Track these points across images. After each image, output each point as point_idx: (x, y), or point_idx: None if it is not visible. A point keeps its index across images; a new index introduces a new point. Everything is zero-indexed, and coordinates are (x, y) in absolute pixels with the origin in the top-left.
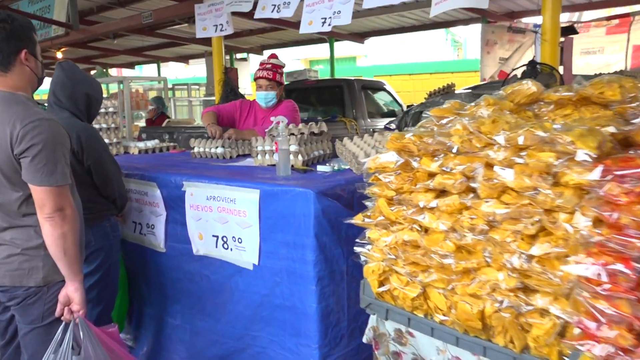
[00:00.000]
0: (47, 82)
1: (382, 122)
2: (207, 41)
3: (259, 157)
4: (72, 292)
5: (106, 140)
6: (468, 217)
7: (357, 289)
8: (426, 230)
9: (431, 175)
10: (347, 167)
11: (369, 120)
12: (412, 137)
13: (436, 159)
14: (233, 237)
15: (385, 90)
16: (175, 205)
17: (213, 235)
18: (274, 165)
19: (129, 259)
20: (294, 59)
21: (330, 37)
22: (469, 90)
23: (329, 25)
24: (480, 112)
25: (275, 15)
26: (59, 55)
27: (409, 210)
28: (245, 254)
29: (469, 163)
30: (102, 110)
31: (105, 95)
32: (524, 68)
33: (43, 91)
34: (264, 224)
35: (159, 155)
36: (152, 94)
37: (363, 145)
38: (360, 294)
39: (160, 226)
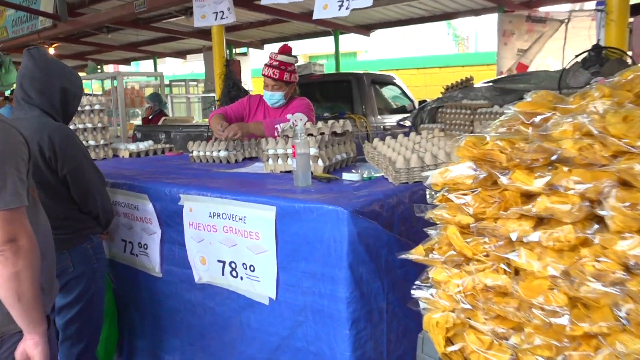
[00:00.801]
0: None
1: (393, 119)
2: (205, 35)
3: (270, 162)
4: (31, 348)
5: (91, 143)
6: (591, 257)
7: (399, 329)
8: (517, 271)
9: (529, 196)
10: (379, 174)
11: (379, 116)
12: (500, 142)
13: (538, 174)
14: (244, 264)
15: (395, 84)
16: (172, 222)
17: (219, 261)
18: (289, 172)
19: (118, 282)
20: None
21: (335, 29)
22: (490, 84)
23: (347, 8)
24: (594, 106)
25: (284, 1)
26: (52, 51)
27: (494, 244)
28: (259, 285)
29: (595, 181)
30: (87, 107)
31: (99, 92)
32: (585, 54)
33: None
34: (283, 250)
35: (152, 159)
36: (149, 91)
37: (399, 148)
38: (417, 352)
39: (155, 246)
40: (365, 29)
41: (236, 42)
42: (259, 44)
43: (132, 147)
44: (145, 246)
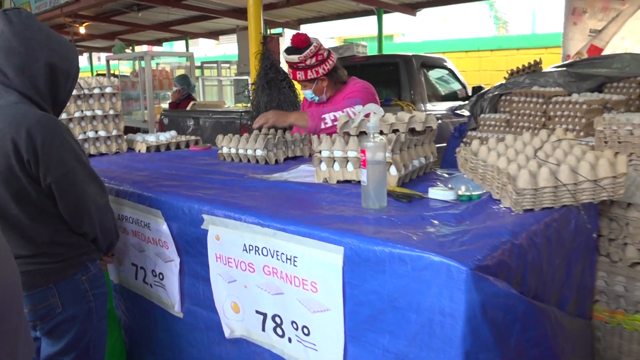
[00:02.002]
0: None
1: (443, 107)
2: (239, 14)
3: (324, 167)
4: None
5: (102, 134)
6: None
7: None
8: None
9: None
10: (482, 191)
11: (428, 104)
12: None
13: None
14: (294, 322)
15: (447, 68)
16: (193, 250)
17: (258, 312)
18: (348, 181)
19: (130, 316)
20: (328, 37)
21: (379, 8)
22: (563, 69)
23: None
24: None
25: None
26: (82, 30)
27: None
28: (317, 355)
29: None
30: (96, 90)
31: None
32: None
33: None
34: (354, 313)
35: (173, 155)
36: (179, 73)
37: (513, 156)
38: None
39: (173, 278)
40: (411, 8)
41: (271, 21)
42: (296, 24)
43: (151, 139)
44: (161, 276)
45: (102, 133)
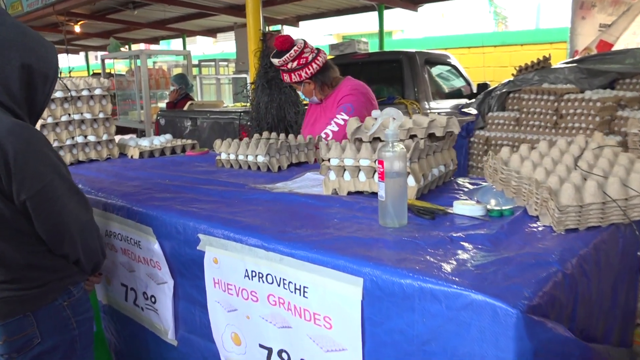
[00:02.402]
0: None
1: (447, 104)
2: (236, 11)
3: (333, 176)
4: None
5: (91, 139)
6: None
7: None
8: None
9: None
10: (513, 205)
11: (432, 102)
12: None
13: None
14: None
15: (451, 65)
16: (189, 272)
17: (262, 346)
18: (359, 193)
19: (121, 339)
20: (327, 34)
21: (380, 3)
22: (574, 65)
23: None
24: None
25: None
26: (77, 29)
27: None
28: None
29: None
30: (85, 92)
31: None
32: None
33: None
34: (375, 355)
35: (168, 160)
36: (177, 72)
37: (551, 166)
38: None
39: (166, 301)
40: (413, 3)
41: (270, 18)
42: (294, 21)
43: (144, 143)
44: (153, 299)
45: (91, 138)
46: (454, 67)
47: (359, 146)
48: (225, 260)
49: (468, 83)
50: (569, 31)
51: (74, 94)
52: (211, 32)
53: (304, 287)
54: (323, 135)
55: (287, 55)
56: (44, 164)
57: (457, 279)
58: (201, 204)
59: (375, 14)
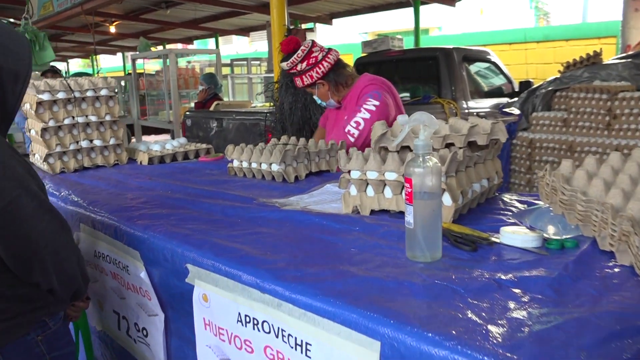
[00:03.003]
0: None
1: (487, 104)
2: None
3: (354, 191)
4: None
5: (97, 143)
6: None
7: None
8: None
9: None
10: (576, 234)
11: (471, 101)
12: None
13: None
14: None
15: (491, 62)
16: (179, 306)
17: None
18: (385, 211)
19: None
20: (361, 32)
21: (416, 0)
22: (628, 60)
23: None
24: None
25: None
26: (112, 29)
27: None
28: None
29: None
30: (89, 93)
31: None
32: None
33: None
34: None
35: (179, 167)
36: (209, 71)
37: (627, 185)
38: None
39: (158, 336)
40: None
41: (302, 16)
42: (327, 18)
43: (155, 148)
44: (145, 332)
45: (97, 142)
46: (494, 64)
47: (385, 156)
48: (216, 299)
49: (509, 81)
50: (620, 25)
51: (77, 95)
52: (244, 31)
53: (307, 343)
54: (353, 126)
55: (295, 56)
56: (6, 177)
57: (511, 356)
58: (197, 224)
59: (410, 10)
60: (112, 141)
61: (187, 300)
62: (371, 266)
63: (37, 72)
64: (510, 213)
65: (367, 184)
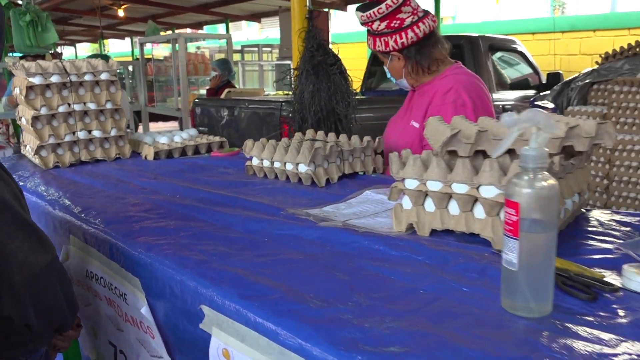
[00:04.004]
0: None
1: (512, 96)
2: None
3: (407, 204)
4: None
5: (96, 134)
6: None
7: None
8: None
9: None
10: None
11: (496, 93)
12: None
13: None
14: None
15: (517, 51)
16: (190, 353)
17: None
18: (449, 231)
19: None
20: None
21: None
22: None
23: None
24: None
25: None
26: (120, 13)
27: None
28: None
29: None
30: (87, 77)
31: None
32: None
33: None
34: None
35: (188, 164)
36: (219, 57)
37: None
38: None
39: None
40: None
41: (315, 2)
42: (342, 4)
43: (162, 140)
44: None
45: (96, 133)
46: (521, 53)
47: (451, 161)
48: (242, 359)
49: (536, 72)
50: None
51: (74, 78)
52: (255, 16)
53: None
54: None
55: (376, 9)
56: None
57: None
58: (213, 244)
59: None
60: (113, 132)
61: (200, 349)
62: (457, 324)
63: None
64: (613, 238)
65: (426, 196)
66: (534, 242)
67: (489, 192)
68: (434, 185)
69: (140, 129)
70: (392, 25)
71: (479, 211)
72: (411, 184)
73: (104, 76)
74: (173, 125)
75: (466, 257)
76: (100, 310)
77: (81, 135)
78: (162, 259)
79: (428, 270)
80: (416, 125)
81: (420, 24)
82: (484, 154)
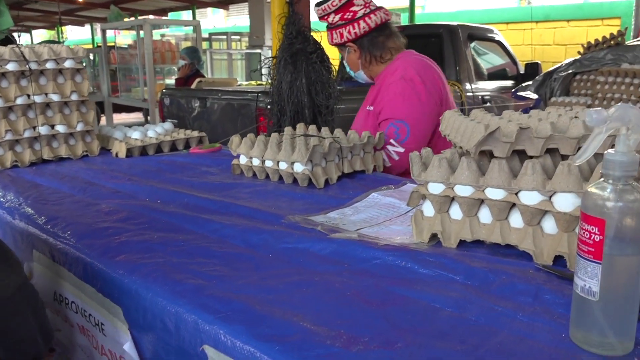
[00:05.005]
0: None
1: (490, 86)
2: None
3: (429, 210)
4: None
5: (59, 129)
6: None
7: None
8: None
9: None
10: None
11: (476, 83)
12: None
13: None
14: None
15: (495, 41)
16: None
17: None
18: (480, 242)
19: None
20: None
21: None
22: None
23: None
24: None
25: None
26: None
27: None
28: None
29: None
30: (49, 64)
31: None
32: None
33: None
34: None
35: (166, 162)
36: (185, 45)
37: None
38: None
39: None
40: None
41: None
42: None
43: (135, 136)
44: None
45: (60, 128)
46: (499, 43)
47: (483, 162)
48: None
49: (514, 62)
50: (633, 5)
51: (34, 66)
52: (223, 3)
53: None
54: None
55: (330, 2)
56: None
57: None
58: (210, 263)
59: None
60: (79, 127)
61: None
62: None
63: None
64: None
65: (452, 201)
66: (620, 267)
67: (530, 198)
68: (464, 191)
69: (103, 120)
70: (346, 17)
71: (516, 219)
72: (436, 188)
73: (68, 64)
74: (137, 116)
75: (509, 274)
76: (72, 339)
77: (43, 130)
78: (150, 284)
79: (472, 295)
80: (370, 108)
81: (372, 15)
82: (519, 155)
